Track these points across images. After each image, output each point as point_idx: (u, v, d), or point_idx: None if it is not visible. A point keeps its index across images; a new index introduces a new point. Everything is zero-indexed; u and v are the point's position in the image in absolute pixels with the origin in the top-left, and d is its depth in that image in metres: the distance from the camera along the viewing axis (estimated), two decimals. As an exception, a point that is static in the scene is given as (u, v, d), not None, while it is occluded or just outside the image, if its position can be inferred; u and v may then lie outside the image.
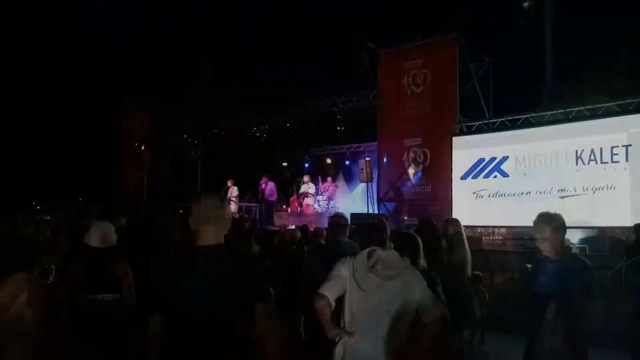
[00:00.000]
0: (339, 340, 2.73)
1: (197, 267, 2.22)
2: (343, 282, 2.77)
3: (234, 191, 14.80)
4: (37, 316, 2.44)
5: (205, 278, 2.17)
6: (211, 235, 2.31)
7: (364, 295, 2.70)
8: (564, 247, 3.54)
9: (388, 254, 2.74)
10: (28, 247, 2.61)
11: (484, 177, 10.32)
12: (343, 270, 2.80)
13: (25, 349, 2.43)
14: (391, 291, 2.69)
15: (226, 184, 14.91)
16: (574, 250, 7.30)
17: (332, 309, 2.75)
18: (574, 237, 9.15)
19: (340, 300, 2.80)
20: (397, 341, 2.68)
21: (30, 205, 15.97)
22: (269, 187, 14.24)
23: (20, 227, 2.77)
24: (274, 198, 14.47)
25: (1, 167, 18.72)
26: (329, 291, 2.76)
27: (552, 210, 3.58)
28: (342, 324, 2.77)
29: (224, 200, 2.44)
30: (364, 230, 3.01)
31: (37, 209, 15.82)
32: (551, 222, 3.44)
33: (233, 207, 14.76)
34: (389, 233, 3.06)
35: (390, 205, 12.50)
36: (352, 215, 11.41)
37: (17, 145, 19.82)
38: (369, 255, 2.74)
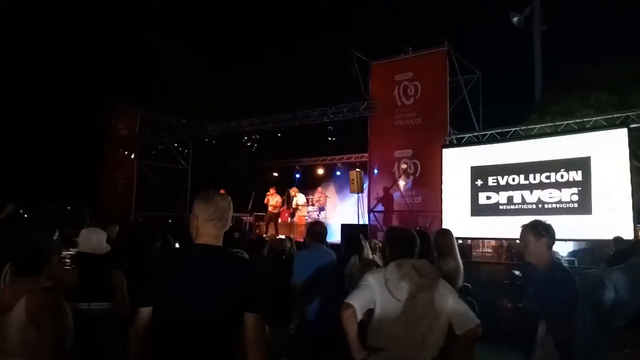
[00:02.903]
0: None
1: (190, 269, 2.15)
2: (371, 292, 2.68)
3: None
4: (36, 324, 2.30)
5: (197, 280, 2.11)
6: (212, 235, 2.23)
7: (397, 305, 2.63)
8: (551, 258, 3.57)
9: (420, 263, 2.71)
10: (38, 251, 2.54)
11: (475, 189, 10.37)
12: (372, 280, 2.72)
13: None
14: (423, 301, 2.63)
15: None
16: (563, 262, 7.33)
17: (359, 320, 2.63)
18: (563, 250, 9.21)
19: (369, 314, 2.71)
20: (430, 353, 2.61)
21: (17, 213, 15.68)
22: (276, 199, 14.28)
23: (33, 232, 2.65)
24: (278, 210, 14.55)
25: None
26: (356, 300, 2.66)
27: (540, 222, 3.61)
28: (370, 337, 2.68)
29: (230, 202, 2.33)
30: (398, 243, 2.95)
31: (25, 217, 15.58)
32: (538, 232, 3.47)
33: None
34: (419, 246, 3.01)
35: (380, 216, 12.53)
36: (343, 226, 11.43)
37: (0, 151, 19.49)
38: (399, 265, 2.70)
